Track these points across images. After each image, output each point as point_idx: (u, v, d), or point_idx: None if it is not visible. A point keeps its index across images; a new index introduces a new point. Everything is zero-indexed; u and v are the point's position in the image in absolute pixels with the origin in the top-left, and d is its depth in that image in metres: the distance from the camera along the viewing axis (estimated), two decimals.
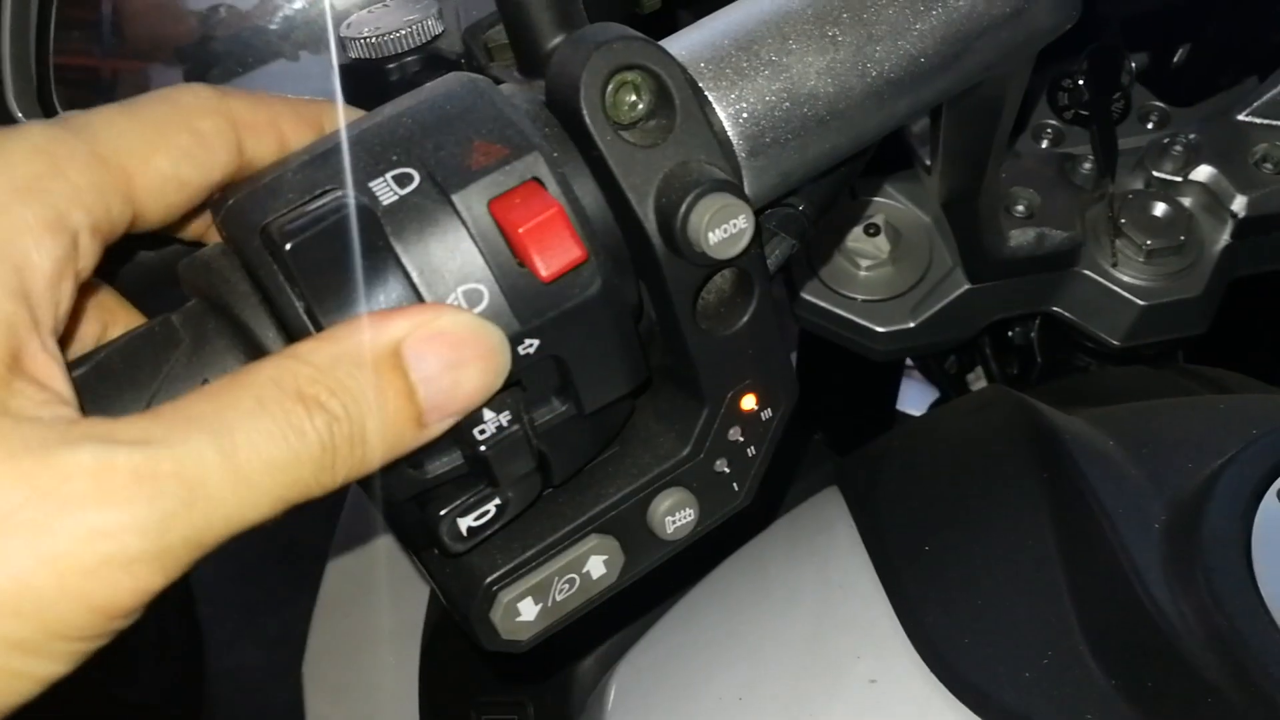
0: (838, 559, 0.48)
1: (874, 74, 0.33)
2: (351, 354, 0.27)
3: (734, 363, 0.32)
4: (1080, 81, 0.66)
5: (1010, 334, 0.75)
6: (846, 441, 0.78)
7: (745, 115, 0.32)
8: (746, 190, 0.32)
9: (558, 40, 0.31)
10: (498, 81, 0.33)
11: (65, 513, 0.24)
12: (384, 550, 0.78)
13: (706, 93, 0.32)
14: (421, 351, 0.27)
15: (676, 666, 0.49)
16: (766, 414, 0.34)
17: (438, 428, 0.28)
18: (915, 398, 0.92)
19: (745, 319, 0.31)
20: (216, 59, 0.71)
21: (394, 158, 0.28)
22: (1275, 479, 0.38)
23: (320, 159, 0.28)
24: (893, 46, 0.33)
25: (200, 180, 0.30)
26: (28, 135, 0.27)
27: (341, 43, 0.54)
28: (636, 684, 0.50)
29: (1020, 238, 0.61)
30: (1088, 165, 0.64)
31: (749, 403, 0.33)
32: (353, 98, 0.32)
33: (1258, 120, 0.64)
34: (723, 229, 0.29)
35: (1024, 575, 0.41)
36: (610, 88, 0.29)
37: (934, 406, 0.85)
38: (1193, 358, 0.72)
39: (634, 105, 0.29)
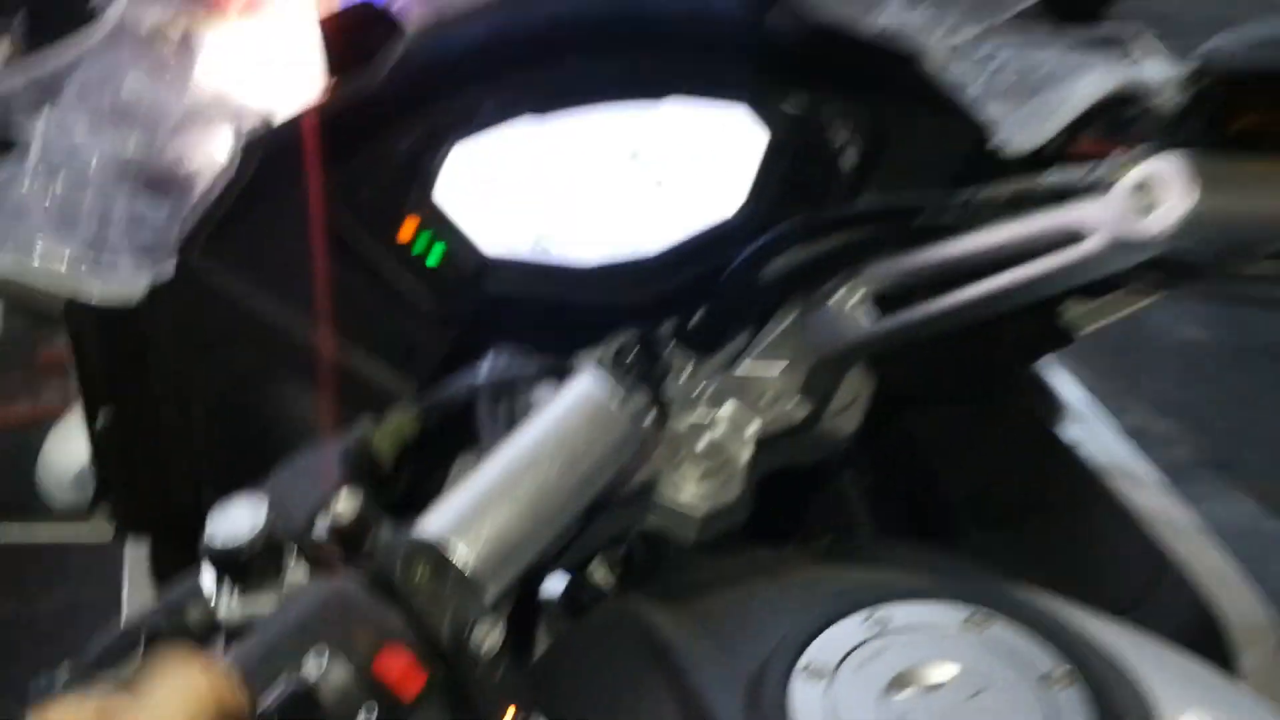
0: None
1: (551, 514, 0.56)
2: None
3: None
4: (632, 355, 0.90)
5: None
6: None
7: (483, 557, 0.53)
8: (489, 593, 0.53)
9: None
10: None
11: None
12: None
13: (457, 553, 0.52)
14: None
15: None
16: None
17: None
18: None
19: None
20: None
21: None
22: (790, 676, 0.61)
23: None
24: (557, 502, 0.56)
25: None
26: None
27: None
28: None
29: None
30: (648, 415, 0.88)
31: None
32: None
33: (758, 366, 0.91)
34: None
35: None
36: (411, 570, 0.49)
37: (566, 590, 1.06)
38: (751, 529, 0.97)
39: (422, 573, 0.50)
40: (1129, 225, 0.62)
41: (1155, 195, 0.61)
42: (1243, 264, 0.71)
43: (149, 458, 0.89)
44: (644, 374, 0.89)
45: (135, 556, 0.99)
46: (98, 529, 0.95)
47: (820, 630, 0.63)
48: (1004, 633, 0.62)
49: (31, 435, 1.05)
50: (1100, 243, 0.66)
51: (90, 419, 0.88)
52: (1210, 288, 0.74)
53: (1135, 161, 0.64)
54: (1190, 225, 0.60)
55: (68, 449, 1.04)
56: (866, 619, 0.63)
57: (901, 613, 0.64)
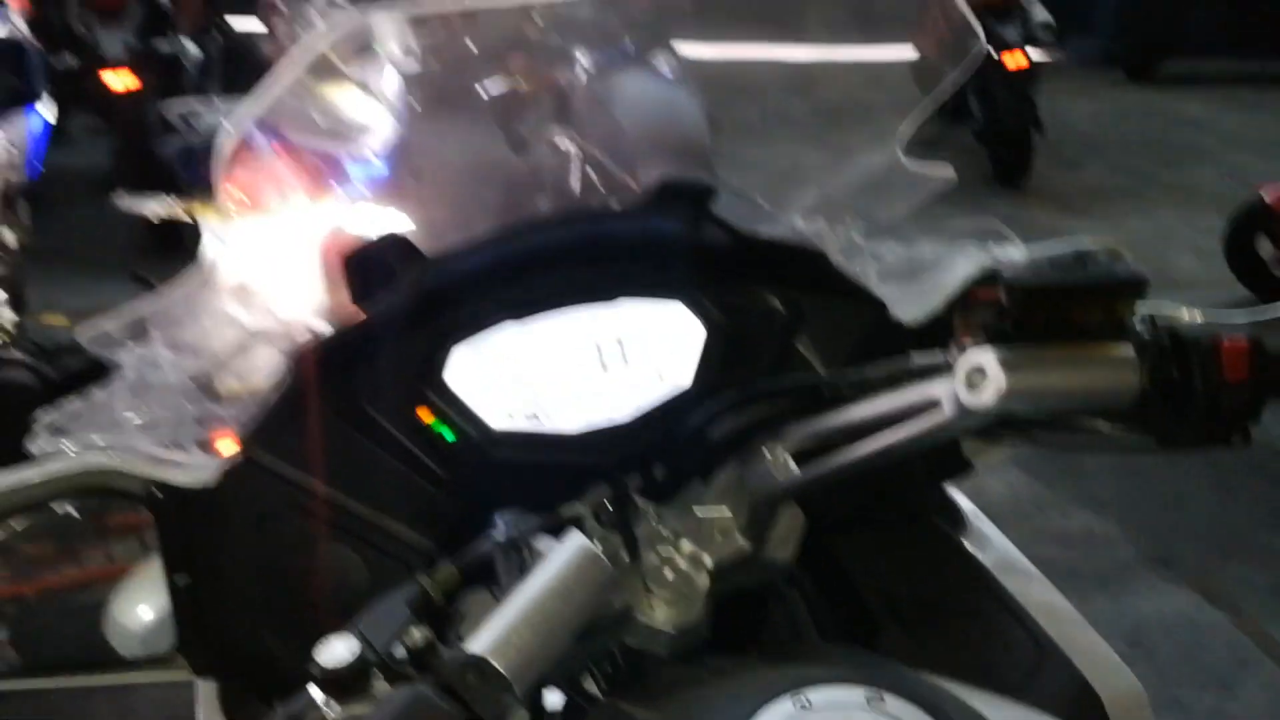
0: None
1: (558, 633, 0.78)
2: None
3: None
4: (609, 505, 1.12)
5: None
6: None
7: (514, 666, 0.74)
8: (518, 690, 0.74)
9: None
10: None
11: None
12: None
13: (496, 662, 0.74)
14: None
15: None
16: None
17: None
18: None
19: None
20: None
21: None
22: None
23: None
24: (561, 625, 0.78)
25: None
26: None
27: None
28: None
29: None
30: (623, 553, 1.09)
31: None
32: None
33: (709, 509, 1.13)
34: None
35: None
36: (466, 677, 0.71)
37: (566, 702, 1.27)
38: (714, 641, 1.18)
39: (474, 679, 0.71)
40: (966, 398, 0.86)
41: (980, 378, 0.85)
42: (1062, 419, 0.95)
43: (219, 612, 1.10)
44: (619, 520, 1.11)
45: (205, 695, 1.18)
46: (171, 674, 1.13)
47: (759, 709, 0.84)
48: (895, 705, 0.84)
49: (93, 592, 1.14)
50: (950, 411, 0.89)
51: (171, 581, 1.09)
52: (1048, 437, 0.97)
53: (968, 351, 0.88)
54: (1005, 398, 0.84)
55: (136, 604, 1.19)
56: (795, 700, 0.85)
57: (820, 695, 0.85)
